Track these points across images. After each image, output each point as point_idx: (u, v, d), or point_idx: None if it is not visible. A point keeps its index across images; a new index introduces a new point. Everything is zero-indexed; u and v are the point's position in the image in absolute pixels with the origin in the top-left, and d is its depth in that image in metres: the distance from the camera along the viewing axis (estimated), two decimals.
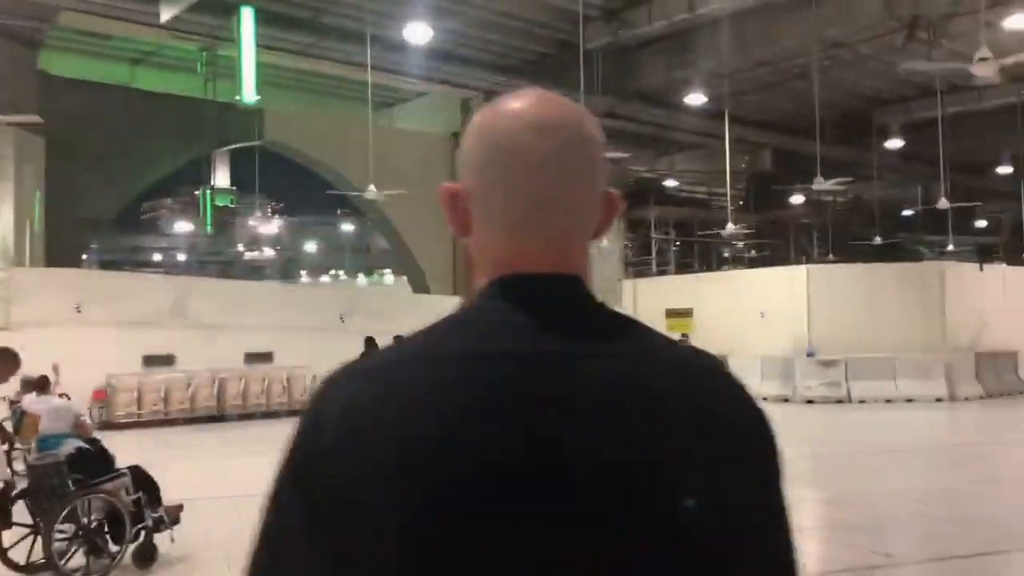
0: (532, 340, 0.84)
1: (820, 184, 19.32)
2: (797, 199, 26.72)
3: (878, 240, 26.96)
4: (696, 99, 19.65)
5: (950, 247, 26.97)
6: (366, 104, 19.35)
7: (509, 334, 0.85)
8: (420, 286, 24.66)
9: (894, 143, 24.11)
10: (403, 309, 20.10)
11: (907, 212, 32.88)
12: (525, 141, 0.90)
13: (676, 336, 0.87)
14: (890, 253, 28.81)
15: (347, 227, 57.74)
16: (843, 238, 29.23)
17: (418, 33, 16.13)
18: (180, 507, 7.04)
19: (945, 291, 19.74)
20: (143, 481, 6.80)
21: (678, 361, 0.88)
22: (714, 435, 0.83)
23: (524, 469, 0.77)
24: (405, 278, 29.84)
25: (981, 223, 33.84)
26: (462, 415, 0.79)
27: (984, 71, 12.55)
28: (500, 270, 0.90)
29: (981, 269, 22.32)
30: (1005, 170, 26.42)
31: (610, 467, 0.78)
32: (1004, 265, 25.00)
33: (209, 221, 24.67)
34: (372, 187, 16.62)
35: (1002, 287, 21.18)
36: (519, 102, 0.93)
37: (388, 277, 51.74)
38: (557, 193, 0.90)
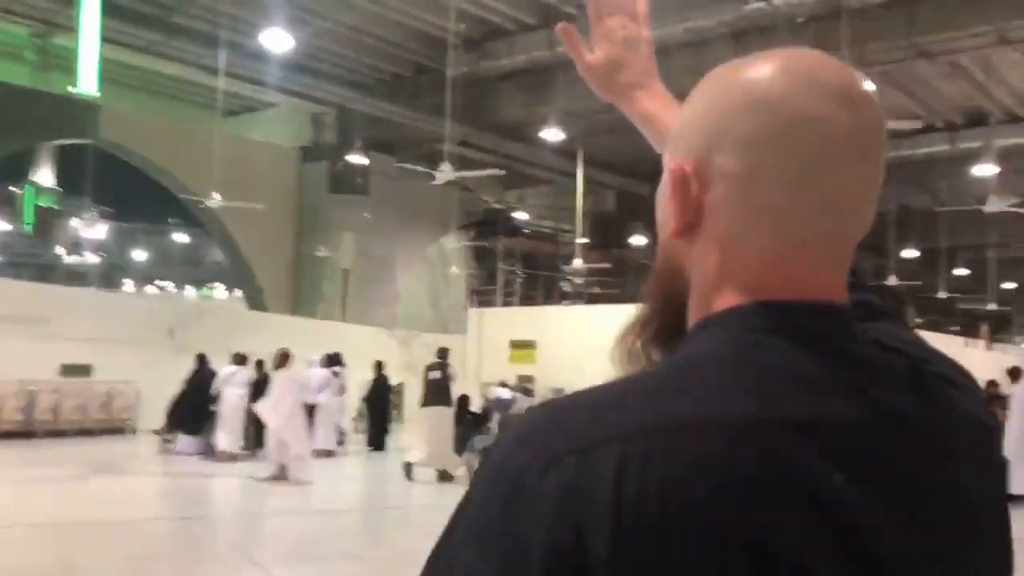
0: (861, 401, 0.62)
1: None
2: (638, 240, 27.54)
3: None
4: (552, 135, 19.90)
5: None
6: (212, 110, 18.52)
7: (819, 391, 0.62)
8: (257, 303, 23.71)
9: None
10: (239, 326, 19.20)
11: None
12: (826, 114, 0.65)
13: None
14: None
15: (179, 237, 55.12)
16: None
17: (275, 41, 15.55)
18: None
19: None
20: None
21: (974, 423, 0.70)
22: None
23: None
24: (240, 294, 28.67)
25: None
26: (804, 511, 0.58)
27: None
28: (763, 291, 0.66)
29: None
30: None
31: None
32: None
33: (29, 221, 22.87)
34: (217, 196, 15.81)
35: None
36: (804, 60, 0.68)
37: (219, 292, 49.69)
38: (859, 188, 0.67)
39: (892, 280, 23.05)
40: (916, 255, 26.57)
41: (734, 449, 0.58)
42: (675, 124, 1.18)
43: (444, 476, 12.04)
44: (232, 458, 13.30)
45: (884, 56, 16.13)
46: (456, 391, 12.86)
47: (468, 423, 12.64)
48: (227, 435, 13.55)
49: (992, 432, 0.72)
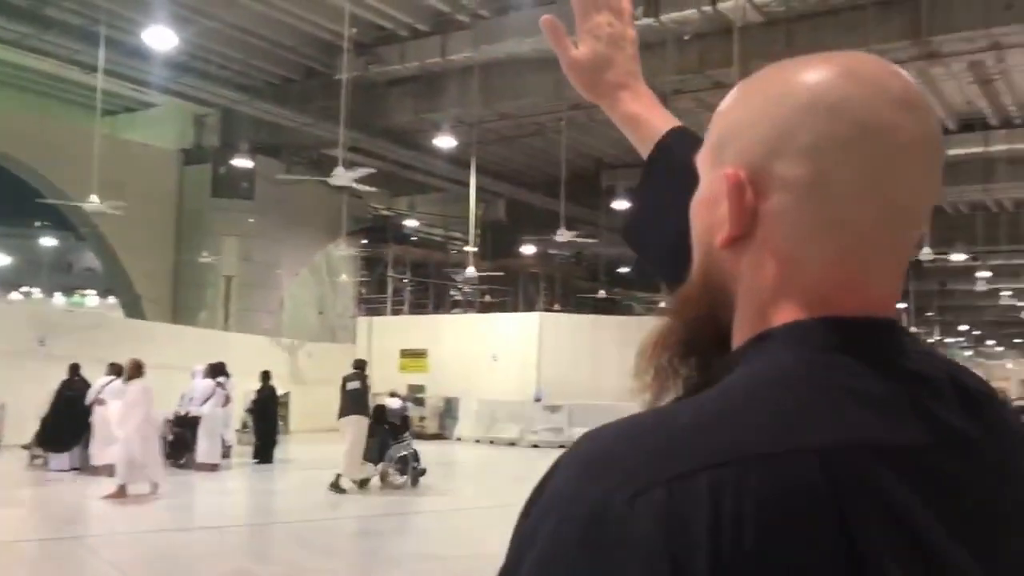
0: (927, 422, 0.60)
1: (562, 236, 20.15)
2: (528, 249, 27.76)
3: (603, 293, 28.56)
4: (445, 142, 19.86)
5: (661, 304, 29.05)
6: (87, 109, 17.70)
7: (892, 413, 0.60)
8: (134, 310, 22.73)
9: (619, 204, 25.70)
10: (115, 334, 18.38)
11: (623, 269, 35.26)
12: (894, 122, 0.62)
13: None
14: (608, 307, 30.63)
15: (47, 241, 52.44)
16: (567, 290, 30.69)
17: (159, 39, 14.97)
18: None
19: None
20: None
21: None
22: None
23: None
24: (115, 300, 27.46)
25: None
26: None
27: None
28: (827, 306, 0.62)
29: None
30: None
31: None
32: None
33: None
34: (95, 198, 15.09)
35: None
36: (868, 65, 0.65)
37: (92, 299, 47.57)
38: (922, 199, 0.64)
39: None
40: None
41: (827, 476, 0.56)
42: (663, 126, 1.16)
43: (363, 484, 12.23)
44: (110, 473, 12.68)
45: None
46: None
47: (385, 433, 12.65)
48: (101, 449, 12.92)
49: None
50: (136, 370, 11.51)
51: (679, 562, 0.53)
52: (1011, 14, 14.35)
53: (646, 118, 1.13)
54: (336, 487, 11.91)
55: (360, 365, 13.00)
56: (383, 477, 12.61)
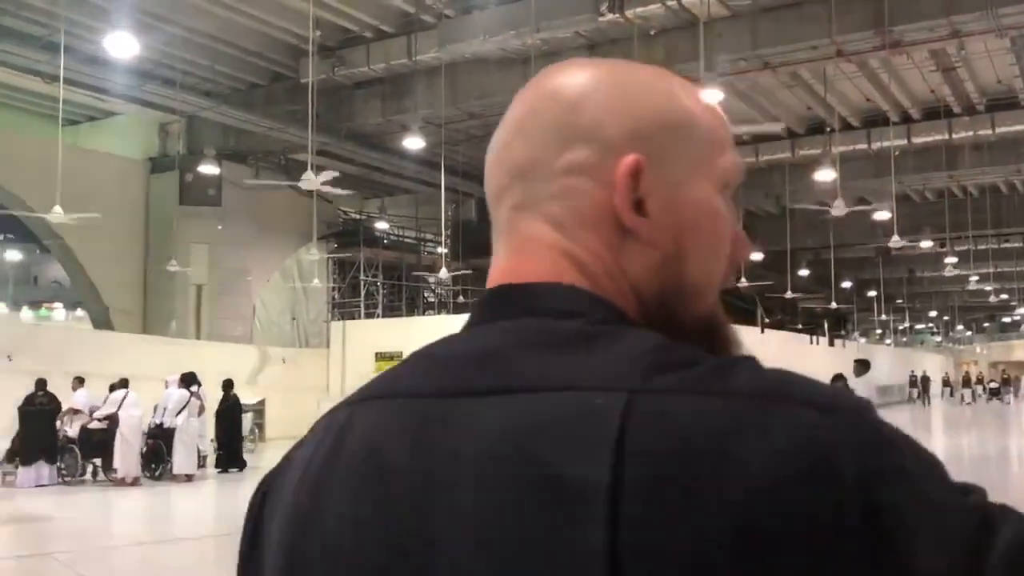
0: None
1: None
2: None
3: None
4: (413, 144, 19.77)
5: None
6: (47, 119, 17.44)
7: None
8: (103, 323, 22.44)
9: None
10: (84, 348, 18.15)
11: None
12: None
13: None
14: None
15: (11, 255, 51.68)
16: None
17: (120, 47, 14.76)
18: None
19: None
20: None
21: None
22: None
23: None
24: (84, 313, 27.10)
25: None
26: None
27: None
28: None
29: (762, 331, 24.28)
30: None
31: None
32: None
33: None
34: (58, 209, 14.88)
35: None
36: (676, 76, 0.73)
37: (59, 312, 46.98)
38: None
39: (742, 283, 24.07)
40: (761, 257, 27.82)
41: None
42: None
43: None
44: (81, 483, 12.55)
45: (731, 67, 16.84)
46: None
47: None
48: (124, 460, 12.93)
49: None
50: (77, 384, 11.98)
51: None
52: (971, 2, 14.53)
53: None
54: None
55: None
56: None
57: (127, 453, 13.12)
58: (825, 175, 20.16)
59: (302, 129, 17.21)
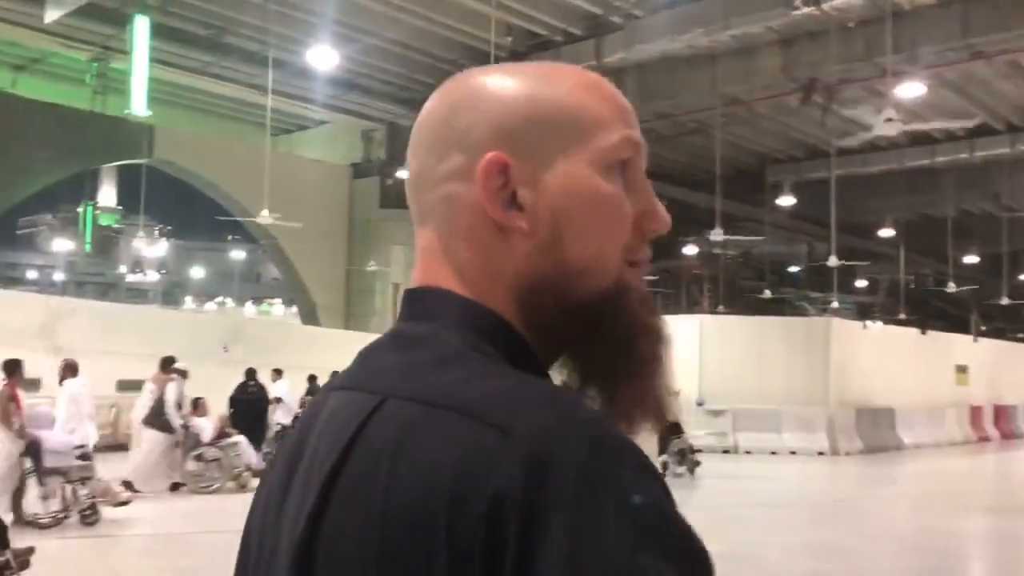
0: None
1: (717, 235, 19.69)
2: (690, 250, 27.22)
3: (768, 294, 27.65)
4: None
5: (834, 304, 27.86)
6: (263, 128, 18.80)
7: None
8: (311, 318, 23.99)
9: (785, 201, 24.86)
10: (291, 341, 19.42)
11: (793, 268, 33.97)
12: None
13: None
14: (777, 307, 29.59)
15: (237, 254, 56.11)
16: (733, 291, 29.89)
17: (322, 59, 15.73)
18: (30, 550, 6.40)
19: (830, 346, 20.26)
20: None
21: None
22: None
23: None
24: (295, 309, 29.01)
25: (861, 283, 35.22)
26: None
27: (890, 130, 13.51)
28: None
29: (865, 327, 23.06)
30: (887, 233, 27.56)
31: None
32: (881, 324, 25.94)
33: (89, 240, 23.45)
34: (266, 212, 16.05)
35: (881, 345, 21.91)
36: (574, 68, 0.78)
37: (277, 307, 50.43)
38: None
39: (951, 287, 22.42)
40: (977, 260, 25.83)
41: None
42: None
43: None
44: None
45: (938, 58, 15.77)
46: None
47: None
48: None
49: None
50: (67, 371, 10.37)
51: None
52: None
53: None
54: None
55: None
56: None
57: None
58: None
59: None
